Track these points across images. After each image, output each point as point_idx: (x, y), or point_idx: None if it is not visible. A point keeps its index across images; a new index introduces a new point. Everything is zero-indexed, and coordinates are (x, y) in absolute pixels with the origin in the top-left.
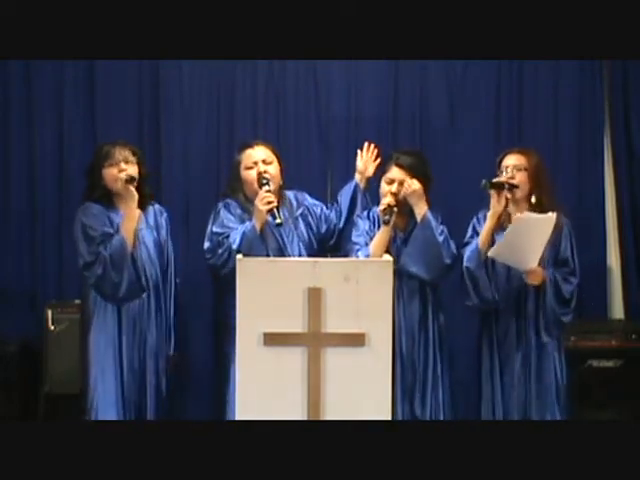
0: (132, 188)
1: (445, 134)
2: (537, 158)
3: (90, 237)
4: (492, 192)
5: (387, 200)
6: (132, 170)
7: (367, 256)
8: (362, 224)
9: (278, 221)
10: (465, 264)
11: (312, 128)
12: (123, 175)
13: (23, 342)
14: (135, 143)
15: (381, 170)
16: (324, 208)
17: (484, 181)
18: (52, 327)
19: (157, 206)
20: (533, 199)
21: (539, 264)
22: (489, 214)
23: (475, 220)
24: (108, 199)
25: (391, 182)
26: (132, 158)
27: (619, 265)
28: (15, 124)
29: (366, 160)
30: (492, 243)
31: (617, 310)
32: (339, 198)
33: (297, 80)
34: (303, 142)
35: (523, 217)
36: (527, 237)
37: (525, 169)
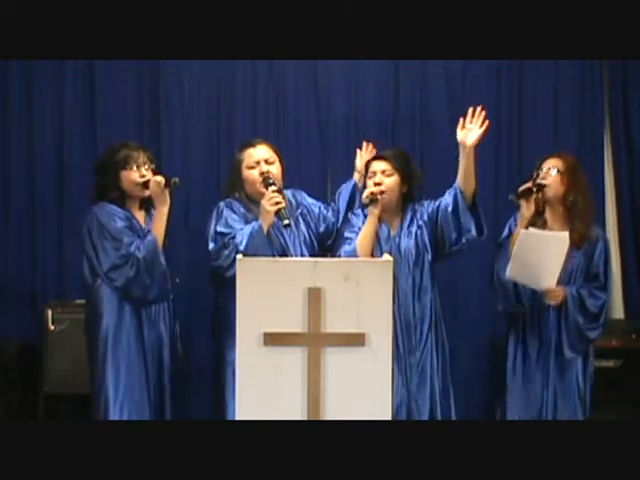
0: (167, 192)
1: (445, 134)
2: (574, 161)
3: (117, 239)
4: (520, 201)
5: (370, 189)
6: (160, 179)
7: (353, 249)
8: (356, 221)
9: (286, 222)
10: (496, 268)
11: (312, 128)
12: (160, 178)
13: (23, 342)
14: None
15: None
16: (322, 207)
17: (510, 196)
18: (52, 327)
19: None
20: (568, 202)
21: (558, 283)
22: (519, 221)
23: (512, 220)
24: (122, 201)
25: (374, 175)
26: (150, 164)
27: (619, 265)
28: (15, 124)
29: (365, 159)
30: None
31: (617, 310)
32: (337, 197)
33: (297, 80)
34: (303, 142)
35: (527, 232)
36: (538, 254)
37: (559, 170)
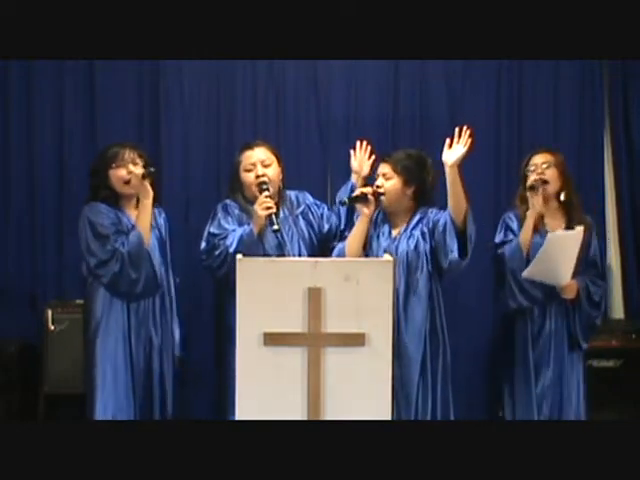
0: (147, 184)
1: (445, 134)
2: (562, 156)
3: (103, 235)
4: (529, 194)
5: (363, 189)
6: (139, 172)
7: (342, 248)
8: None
9: (275, 227)
10: (508, 265)
11: (312, 128)
12: (139, 170)
13: (23, 342)
14: (135, 143)
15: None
16: (326, 208)
17: (528, 186)
18: (52, 327)
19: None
20: (562, 196)
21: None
22: (529, 213)
23: (507, 218)
24: (114, 200)
25: (378, 177)
26: (139, 161)
27: (619, 265)
28: (15, 124)
29: (360, 159)
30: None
31: (617, 310)
32: (337, 199)
33: (297, 80)
34: (303, 142)
35: (556, 235)
36: (560, 253)
37: (555, 165)
